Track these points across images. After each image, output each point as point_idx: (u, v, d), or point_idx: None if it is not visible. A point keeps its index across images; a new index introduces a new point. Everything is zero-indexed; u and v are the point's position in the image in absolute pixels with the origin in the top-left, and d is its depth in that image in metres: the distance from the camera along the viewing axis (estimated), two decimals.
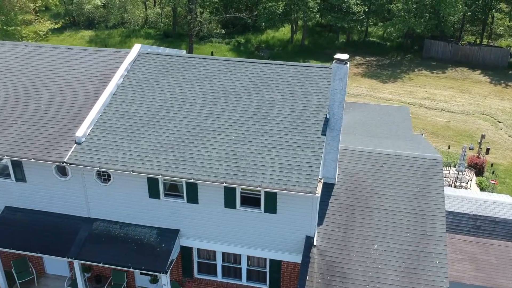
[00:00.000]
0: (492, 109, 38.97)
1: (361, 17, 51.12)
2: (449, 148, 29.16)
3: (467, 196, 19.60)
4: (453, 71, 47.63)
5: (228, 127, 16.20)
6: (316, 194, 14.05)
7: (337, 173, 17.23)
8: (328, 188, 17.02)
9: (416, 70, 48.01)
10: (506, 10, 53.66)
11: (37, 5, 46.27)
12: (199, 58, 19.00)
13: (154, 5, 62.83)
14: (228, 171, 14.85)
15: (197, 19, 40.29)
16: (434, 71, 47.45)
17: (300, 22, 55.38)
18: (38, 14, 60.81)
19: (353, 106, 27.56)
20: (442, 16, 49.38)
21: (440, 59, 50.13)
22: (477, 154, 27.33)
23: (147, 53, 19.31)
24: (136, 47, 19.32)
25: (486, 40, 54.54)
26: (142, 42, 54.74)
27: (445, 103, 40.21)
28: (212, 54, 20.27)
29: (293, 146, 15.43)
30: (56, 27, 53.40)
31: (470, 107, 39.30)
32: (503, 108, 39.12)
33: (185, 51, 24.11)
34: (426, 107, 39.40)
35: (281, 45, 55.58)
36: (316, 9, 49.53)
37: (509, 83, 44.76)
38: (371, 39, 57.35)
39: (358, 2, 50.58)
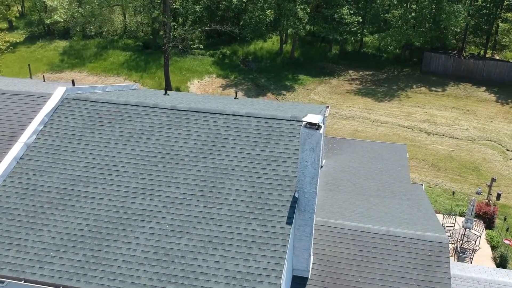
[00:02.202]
0: (499, 135, 34.89)
1: (355, 28, 47.02)
2: (453, 194, 25.10)
3: (479, 278, 15.52)
4: (455, 87, 43.55)
5: (163, 209, 12.09)
6: None
7: (311, 262, 13.14)
8: (299, 284, 12.93)
9: (414, 86, 43.90)
10: (510, 16, 49.55)
11: None
12: (138, 106, 14.87)
13: (135, 14, 58.56)
14: (154, 281, 10.75)
15: (172, 33, 36.10)
16: (434, 88, 43.38)
17: (290, 31, 51.16)
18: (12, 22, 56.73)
19: (340, 143, 23.47)
20: (444, 27, 45.28)
21: (440, 73, 46.05)
22: (487, 201, 23.27)
23: (73, 99, 15.18)
24: (59, 91, 15.19)
25: (490, 52, 50.49)
26: (119, 54, 50.64)
27: (447, 126, 36.13)
28: (165, 92, 16.08)
29: (247, 241, 11.32)
30: (18, 40, 48.98)
31: (475, 132, 35.21)
32: None
33: (137, 84, 20.00)
34: (426, 132, 35.31)
35: (269, 57, 51.46)
36: (306, 19, 45.39)
37: None
38: (366, 50, 53.25)
39: (352, 12, 46.46)
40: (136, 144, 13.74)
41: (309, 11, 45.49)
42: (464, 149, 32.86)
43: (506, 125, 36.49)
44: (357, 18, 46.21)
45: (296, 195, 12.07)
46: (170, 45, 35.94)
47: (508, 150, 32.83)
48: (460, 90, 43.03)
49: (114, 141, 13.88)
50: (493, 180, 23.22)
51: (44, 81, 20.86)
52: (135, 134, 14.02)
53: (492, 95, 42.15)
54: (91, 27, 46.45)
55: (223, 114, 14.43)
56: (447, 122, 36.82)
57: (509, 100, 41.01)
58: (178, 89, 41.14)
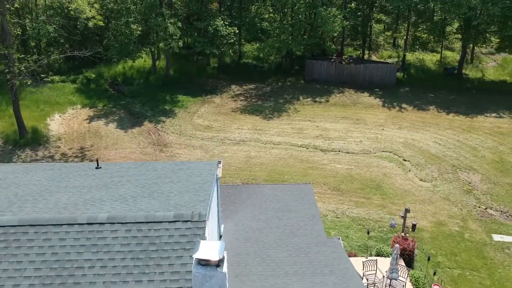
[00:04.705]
0: (393, 144, 33.72)
1: (232, 40, 43.68)
2: (368, 233, 22.62)
3: None
4: (341, 95, 42.23)
5: None
6: None
7: None
8: None
9: (301, 97, 41.79)
10: (384, 18, 49.98)
11: None
12: None
13: None
14: None
15: (17, 66, 29.58)
16: (320, 98, 41.60)
17: (162, 44, 46.11)
18: None
19: (238, 193, 19.68)
20: (321, 33, 43.78)
21: (324, 81, 44.60)
22: (403, 234, 21.03)
23: None
24: None
25: (368, 52, 50.44)
26: None
27: (341, 140, 34.20)
28: None
29: None
30: None
31: (369, 144, 33.67)
32: (404, 141, 34.07)
33: None
34: (321, 150, 32.99)
35: (142, 77, 46.34)
36: (178, 35, 41.03)
37: (402, 105, 40.32)
38: (246, 60, 50.38)
39: (227, 22, 43.05)
40: None
41: (180, 25, 41.20)
42: (362, 165, 31.00)
43: (397, 132, 35.57)
44: (233, 29, 42.92)
45: None
46: (16, 81, 29.43)
47: (405, 160, 31.62)
48: (346, 98, 41.78)
49: None
50: (407, 211, 21.05)
51: None
52: None
53: (378, 99, 41.47)
54: None
55: (73, 224, 9.73)
56: (340, 136, 34.92)
57: (395, 104, 40.55)
58: (35, 129, 34.41)
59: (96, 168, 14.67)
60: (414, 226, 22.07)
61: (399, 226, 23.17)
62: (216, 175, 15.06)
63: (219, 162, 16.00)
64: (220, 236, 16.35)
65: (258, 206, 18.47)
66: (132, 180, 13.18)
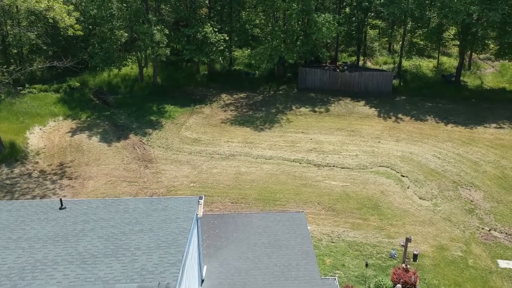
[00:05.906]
0: (390, 157, 32.10)
1: (222, 47, 41.91)
2: (367, 266, 20.95)
3: None
4: (336, 104, 40.58)
5: None
6: None
7: None
8: None
9: (293, 107, 40.10)
10: (379, 23, 48.41)
11: None
12: None
13: None
14: None
15: None
16: (314, 107, 39.96)
17: (148, 51, 44.17)
18: None
19: (223, 224, 17.97)
20: (315, 39, 42.13)
21: (318, 89, 42.96)
22: (404, 266, 19.39)
23: None
24: None
25: (362, 58, 48.85)
26: None
27: (336, 154, 32.54)
28: None
29: None
30: None
31: (365, 158, 32.02)
32: (402, 155, 32.45)
33: None
34: (315, 165, 31.32)
35: (128, 86, 44.48)
36: (165, 42, 39.22)
37: (399, 115, 38.72)
38: (237, 67, 48.63)
39: (216, 29, 41.31)
40: None
41: (167, 32, 39.40)
42: (358, 181, 29.35)
43: (395, 144, 33.96)
44: (222, 36, 41.15)
45: None
46: None
47: (403, 176, 30.02)
48: (341, 107, 40.13)
49: None
50: (408, 240, 19.42)
51: None
52: None
53: (373, 109, 39.84)
54: None
55: None
56: (334, 149, 33.25)
57: (391, 114, 38.95)
58: (13, 144, 32.53)
59: (60, 208, 12.93)
60: (415, 256, 20.44)
61: (399, 252, 21.51)
62: (196, 214, 13.37)
63: (200, 198, 14.30)
64: (202, 281, 14.64)
65: (246, 241, 16.76)
66: (97, 227, 11.42)
